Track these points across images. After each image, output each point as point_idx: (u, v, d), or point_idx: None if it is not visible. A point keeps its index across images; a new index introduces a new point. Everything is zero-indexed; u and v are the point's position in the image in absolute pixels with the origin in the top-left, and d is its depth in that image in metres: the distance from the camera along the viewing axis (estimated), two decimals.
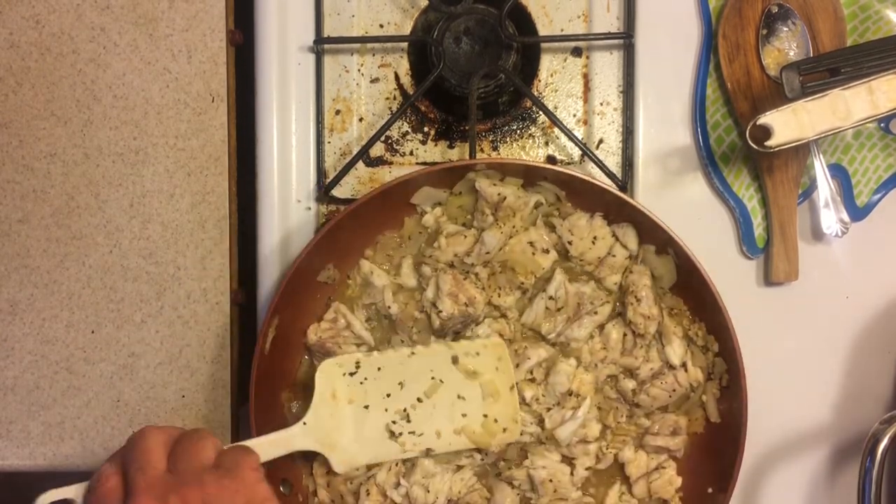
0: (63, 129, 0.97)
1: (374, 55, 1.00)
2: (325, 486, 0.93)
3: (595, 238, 0.90)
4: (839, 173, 0.96)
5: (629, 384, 0.91)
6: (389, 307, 0.91)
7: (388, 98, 1.00)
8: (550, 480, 0.90)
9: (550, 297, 0.91)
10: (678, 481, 0.93)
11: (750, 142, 0.82)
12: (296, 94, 0.98)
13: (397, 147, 1.00)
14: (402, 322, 0.91)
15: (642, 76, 0.96)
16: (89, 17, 0.97)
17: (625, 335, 0.91)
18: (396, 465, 0.91)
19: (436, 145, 1.00)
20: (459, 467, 0.92)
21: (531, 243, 0.90)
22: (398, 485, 0.91)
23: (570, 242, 0.91)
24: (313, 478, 0.93)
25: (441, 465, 0.91)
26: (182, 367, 0.98)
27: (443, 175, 0.91)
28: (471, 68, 0.95)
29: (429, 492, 0.90)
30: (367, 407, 0.88)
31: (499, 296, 0.91)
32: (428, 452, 0.89)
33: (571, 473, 0.91)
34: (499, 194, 0.89)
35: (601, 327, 0.91)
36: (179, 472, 0.69)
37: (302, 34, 0.98)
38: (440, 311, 0.88)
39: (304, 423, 0.85)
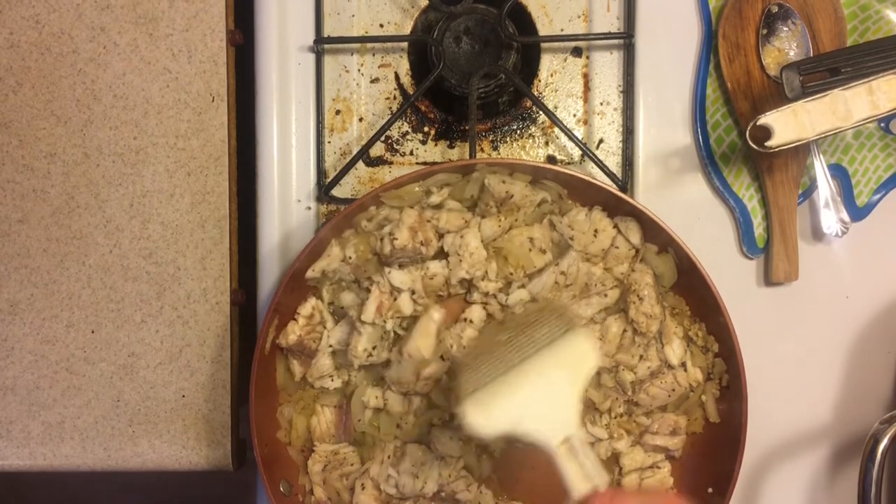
0: (63, 129, 0.97)
1: (374, 55, 1.00)
2: (321, 483, 0.93)
3: (596, 231, 0.90)
4: (839, 173, 0.96)
5: (628, 376, 0.91)
6: (350, 257, 0.90)
7: (388, 98, 1.00)
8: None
9: (562, 273, 0.91)
10: (670, 482, 0.93)
11: (750, 142, 0.82)
12: (296, 94, 0.98)
13: (397, 147, 1.00)
14: (357, 267, 0.91)
15: (642, 76, 0.96)
16: (89, 16, 0.97)
17: (624, 331, 0.91)
18: (388, 457, 0.92)
19: (436, 145, 1.00)
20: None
21: (531, 239, 0.90)
22: (390, 477, 0.91)
23: (571, 238, 0.91)
24: (309, 476, 0.93)
25: (430, 454, 0.92)
26: (182, 367, 0.98)
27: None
28: (471, 68, 0.95)
29: (417, 478, 0.90)
30: None
31: (482, 279, 0.91)
32: None
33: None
34: (506, 192, 0.89)
35: (603, 318, 0.91)
36: None
37: (302, 34, 0.98)
38: (395, 238, 0.87)
39: None
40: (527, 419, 0.73)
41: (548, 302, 0.90)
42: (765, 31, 0.94)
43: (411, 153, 1.00)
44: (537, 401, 0.74)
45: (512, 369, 0.75)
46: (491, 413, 0.73)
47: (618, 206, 0.89)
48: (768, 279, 0.96)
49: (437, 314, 0.90)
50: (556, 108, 0.99)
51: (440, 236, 0.91)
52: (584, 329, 0.79)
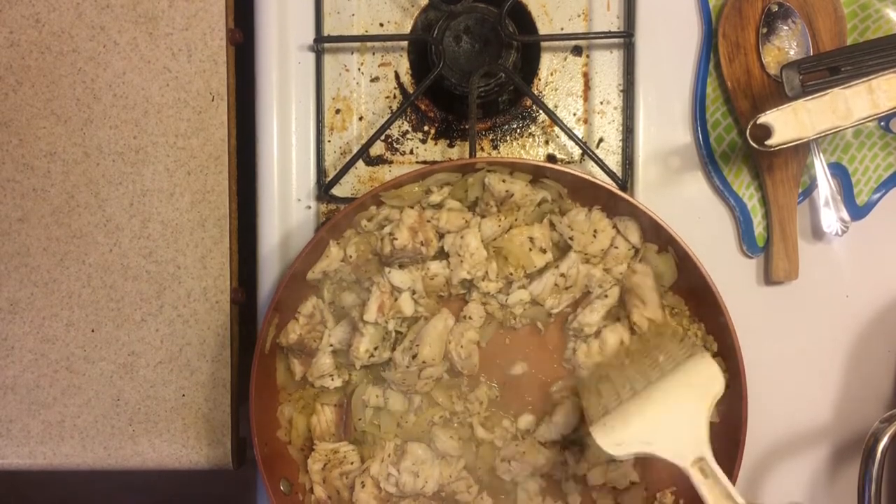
0: (63, 128, 0.97)
1: (374, 54, 1.00)
2: (321, 481, 0.93)
3: (595, 231, 0.90)
4: (839, 172, 0.96)
5: None
6: (351, 256, 0.90)
7: (388, 97, 1.00)
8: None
9: (562, 275, 0.91)
10: (634, 475, 0.93)
11: (750, 141, 0.82)
12: (296, 92, 0.98)
13: (397, 146, 1.00)
14: (358, 267, 0.91)
15: (642, 75, 0.96)
16: (89, 15, 0.97)
17: (621, 342, 0.91)
18: (389, 455, 0.92)
19: (436, 144, 1.00)
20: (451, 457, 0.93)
21: (531, 238, 0.91)
22: (390, 475, 0.91)
23: (571, 238, 0.91)
24: (309, 475, 0.93)
25: (431, 453, 0.92)
26: (182, 366, 0.98)
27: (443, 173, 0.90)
28: (471, 67, 0.95)
29: (418, 477, 0.90)
30: None
31: (483, 279, 0.91)
32: None
33: None
34: (507, 191, 0.89)
35: (598, 334, 0.92)
36: None
37: (302, 33, 0.98)
38: (395, 239, 0.87)
39: None
40: (658, 441, 0.76)
41: (666, 325, 0.91)
42: (765, 30, 0.94)
43: (411, 152, 1.00)
44: (667, 423, 0.77)
45: (640, 393, 0.78)
46: (623, 436, 0.76)
47: (618, 205, 0.89)
48: (768, 278, 0.96)
49: (450, 319, 0.91)
50: (556, 106, 0.99)
51: (440, 236, 0.91)
52: (708, 354, 0.82)
